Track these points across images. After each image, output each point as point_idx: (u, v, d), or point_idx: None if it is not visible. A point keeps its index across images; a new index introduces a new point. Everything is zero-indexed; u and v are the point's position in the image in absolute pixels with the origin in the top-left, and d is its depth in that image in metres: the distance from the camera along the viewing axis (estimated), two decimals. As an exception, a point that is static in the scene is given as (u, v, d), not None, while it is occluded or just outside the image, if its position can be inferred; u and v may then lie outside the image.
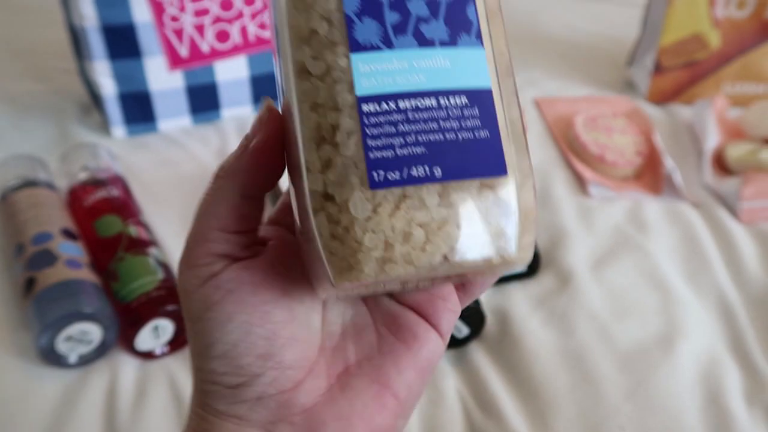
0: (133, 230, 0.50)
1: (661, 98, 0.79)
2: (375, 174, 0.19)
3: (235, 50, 0.71)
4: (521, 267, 0.21)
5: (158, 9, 0.66)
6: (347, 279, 0.19)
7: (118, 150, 0.67)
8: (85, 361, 0.45)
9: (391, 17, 0.20)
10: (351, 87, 0.19)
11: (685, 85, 0.79)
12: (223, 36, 0.70)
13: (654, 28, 0.78)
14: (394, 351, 0.24)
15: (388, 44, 0.20)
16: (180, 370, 0.46)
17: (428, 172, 0.19)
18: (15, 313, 0.47)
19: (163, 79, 0.69)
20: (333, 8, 0.20)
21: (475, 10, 0.20)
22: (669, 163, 0.65)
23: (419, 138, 0.19)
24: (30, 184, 0.53)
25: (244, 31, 0.71)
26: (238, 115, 0.74)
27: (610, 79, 0.86)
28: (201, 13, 0.68)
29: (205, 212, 0.23)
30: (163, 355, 0.46)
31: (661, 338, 0.48)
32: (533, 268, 0.54)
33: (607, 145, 0.67)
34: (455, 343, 0.48)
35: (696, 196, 0.63)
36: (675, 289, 0.52)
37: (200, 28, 0.69)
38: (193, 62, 0.70)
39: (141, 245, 0.49)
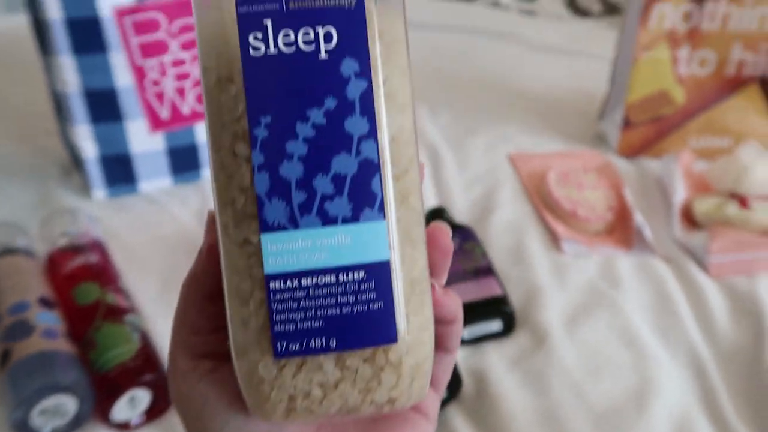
0: (111, 297, 0.50)
1: (631, 152, 0.82)
2: (279, 345, 0.21)
3: (215, 112, 0.73)
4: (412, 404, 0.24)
5: (140, 74, 0.68)
6: (262, 419, 0.22)
7: (99, 212, 0.68)
8: (60, 433, 0.45)
9: (298, 197, 0.21)
10: (260, 264, 0.21)
11: (653, 140, 0.81)
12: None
13: (621, 84, 0.81)
14: None
15: (294, 224, 0.21)
16: (157, 440, 0.46)
17: (325, 344, 0.22)
18: (-10, 385, 0.47)
19: (144, 141, 0.71)
20: (247, 185, 0.21)
21: (380, 180, 0.22)
22: (639, 218, 0.67)
23: (318, 313, 0.21)
24: (9, 251, 0.54)
25: (224, 93, 0.72)
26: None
27: (583, 132, 0.88)
28: (182, 77, 0.70)
29: (178, 321, 0.25)
30: (139, 425, 0.46)
31: (635, 396, 0.49)
32: (509, 326, 0.55)
33: (579, 200, 0.69)
34: (432, 405, 0.48)
35: (666, 251, 0.65)
36: (647, 346, 0.53)
37: (181, 91, 0.70)
38: (174, 124, 0.71)
39: (118, 313, 0.49)
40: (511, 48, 1.23)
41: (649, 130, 0.81)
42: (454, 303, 0.24)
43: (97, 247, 0.57)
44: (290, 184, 0.21)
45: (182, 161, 0.73)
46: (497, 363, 0.52)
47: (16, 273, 0.51)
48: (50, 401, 0.43)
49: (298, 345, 0.21)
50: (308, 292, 0.21)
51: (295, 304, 0.21)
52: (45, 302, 0.49)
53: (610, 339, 0.54)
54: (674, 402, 0.49)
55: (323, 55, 0.21)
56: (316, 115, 0.21)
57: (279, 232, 0.21)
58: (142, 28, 0.67)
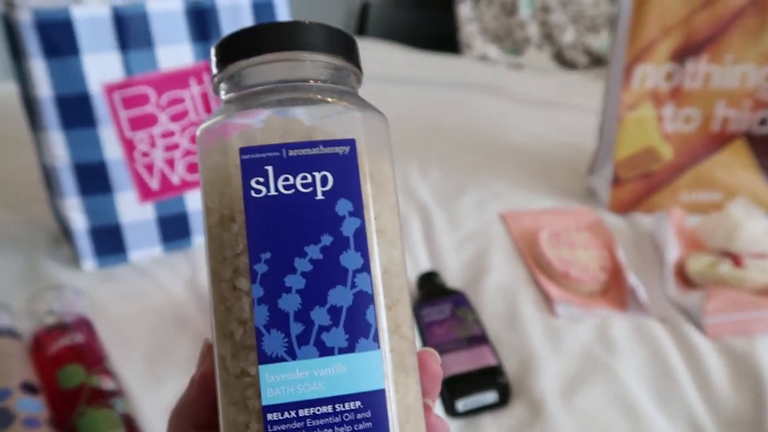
0: (96, 380, 0.49)
1: (622, 208, 0.82)
2: None
3: (205, 180, 0.73)
4: None
5: (129, 146, 0.68)
6: None
7: (88, 283, 0.67)
8: None
9: (296, 328, 0.22)
10: (258, 395, 0.21)
11: (643, 196, 0.82)
12: (193, 168, 0.72)
13: (608, 141, 0.82)
14: None
15: (292, 355, 0.22)
16: None
17: None
18: (-31, 478, 0.46)
19: (134, 212, 0.70)
20: (247, 317, 0.22)
21: (374, 311, 0.22)
22: (632, 279, 0.66)
23: None
24: (-7, 333, 0.53)
25: (213, 161, 0.73)
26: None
27: (573, 187, 0.89)
28: (171, 147, 0.70)
29: (181, 415, 0.24)
30: None
31: (636, 470, 0.48)
32: (504, 397, 0.54)
33: (571, 261, 0.68)
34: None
35: (662, 311, 0.64)
36: (646, 414, 0.52)
37: (170, 162, 0.71)
38: (164, 194, 0.71)
39: (104, 397, 0.48)
40: (500, 102, 1.25)
41: (639, 186, 0.81)
42: (445, 427, 0.24)
43: (84, 324, 0.56)
44: (288, 316, 0.22)
45: (172, 229, 0.73)
46: (493, 437, 0.50)
47: (0, 356, 0.50)
48: (31, 496, 0.42)
49: None
50: (305, 423, 0.21)
51: None
52: (28, 387, 0.48)
53: (607, 407, 0.53)
54: (676, 476, 0.48)
55: (320, 196, 0.23)
56: (314, 251, 0.22)
57: (277, 364, 0.21)
58: (131, 102, 0.67)
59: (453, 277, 0.69)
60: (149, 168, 0.70)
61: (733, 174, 0.80)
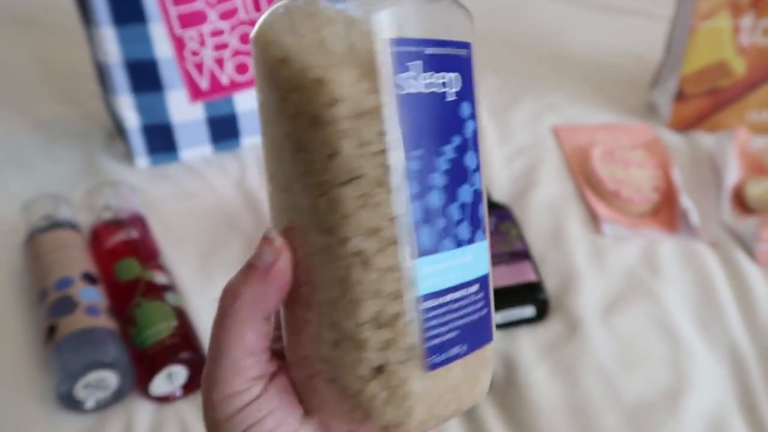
0: (150, 274, 0.52)
1: (684, 126, 0.78)
2: (429, 360, 0.23)
3: (254, 81, 0.73)
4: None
5: (179, 44, 0.68)
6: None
7: (141, 181, 0.69)
8: (102, 406, 0.47)
9: (439, 224, 0.23)
10: (414, 286, 0.23)
11: (708, 113, 0.77)
12: (242, 68, 0.71)
13: (676, 54, 0.77)
14: None
15: (438, 248, 0.23)
16: (192, 414, 0.48)
17: (460, 351, 0.24)
18: (38, 358, 0.50)
19: (184, 111, 0.71)
20: (397, 213, 0.22)
21: (484, 207, 0.25)
22: (685, 201, 0.64)
23: (455, 324, 0.24)
24: (54, 225, 0.55)
25: (263, 62, 0.72)
26: (257, 143, 0.76)
27: (633, 102, 0.85)
28: (221, 47, 0.69)
29: (232, 341, 0.24)
30: (177, 398, 0.48)
31: (668, 393, 0.48)
32: (542, 312, 0.54)
33: (624, 180, 0.66)
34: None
35: (713, 236, 0.62)
36: (685, 340, 0.52)
37: (220, 62, 0.70)
38: (214, 94, 0.71)
39: (157, 290, 0.51)
40: (565, 5, 1.18)
41: (704, 102, 0.77)
42: None
43: (138, 221, 0.58)
44: (436, 213, 0.23)
45: (222, 130, 0.74)
46: (528, 350, 0.51)
47: (62, 248, 0.53)
48: (93, 376, 0.45)
49: (444, 356, 0.23)
50: (448, 308, 0.24)
51: (441, 319, 0.23)
52: (88, 278, 0.51)
53: (646, 331, 0.53)
54: (709, 401, 0.48)
55: (450, 97, 0.23)
56: (449, 151, 0.23)
57: (428, 256, 0.23)
58: (181, -3, 0.66)
59: (499, 192, 0.68)
60: (199, 67, 0.70)
61: (811, 94, 0.75)
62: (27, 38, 0.97)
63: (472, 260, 0.24)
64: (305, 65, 0.22)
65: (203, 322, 0.52)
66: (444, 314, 0.23)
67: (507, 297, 0.54)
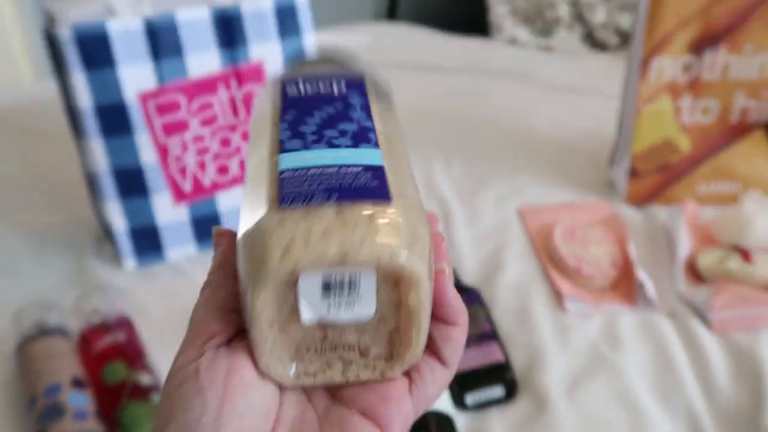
0: (137, 376, 0.55)
1: (640, 200, 0.83)
2: (284, 197, 0.25)
3: (234, 182, 0.78)
4: (411, 275, 0.25)
5: (164, 151, 0.73)
6: (259, 284, 0.25)
7: (129, 282, 0.73)
8: None
9: (310, 138, 0.29)
10: (277, 168, 0.27)
11: (661, 188, 0.83)
12: (223, 170, 0.76)
13: (626, 134, 0.83)
14: None
15: (306, 148, 0.28)
16: None
17: (326, 197, 0.25)
18: (29, 463, 0.52)
19: (169, 213, 0.76)
20: (276, 138, 0.29)
21: (375, 136, 0.29)
22: (641, 274, 0.68)
23: (321, 183, 0.26)
24: (44, 332, 0.58)
25: (242, 164, 0.77)
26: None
27: (594, 179, 0.90)
28: (203, 151, 0.75)
29: (207, 298, 0.28)
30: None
31: (632, 463, 0.51)
32: (510, 392, 0.57)
33: (584, 257, 0.71)
34: (435, 475, 0.51)
35: (670, 306, 0.66)
36: (646, 409, 0.55)
37: (202, 165, 0.75)
38: (197, 196, 0.76)
39: (143, 392, 0.53)
40: (527, 89, 1.25)
41: (656, 178, 0.82)
42: (459, 301, 0.27)
43: (125, 323, 0.61)
44: (305, 134, 0.29)
45: (205, 229, 0.78)
46: (499, 430, 0.54)
47: (51, 355, 0.56)
48: (81, 480, 0.47)
49: (302, 198, 0.25)
50: (314, 176, 0.26)
51: (302, 180, 0.26)
52: (76, 382, 0.54)
53: (609, 403, 0.56)
54: (670, 469, 0.51)
55: (336, 92, 0.31)
56: (329, 109, 0.30)
57: (293, 153, 0.28)
58: (164, 109, 0.72)
59: (468, 275, 0.72)
60: (182, 171, 0.75)
61: (752, 165, 0.80)
62: (18, 148, 1.02)
63: (351, 154, 0.28)
64: None
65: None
66: (305, 177, 0.26)
67: (476, 378, 0.57)
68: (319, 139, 0.28)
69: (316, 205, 0.25)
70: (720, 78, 0.78)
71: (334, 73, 0.33)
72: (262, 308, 0.25)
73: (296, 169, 0.26)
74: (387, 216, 0.25)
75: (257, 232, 0.25)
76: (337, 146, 0.28)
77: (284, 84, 0.32)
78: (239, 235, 0.26)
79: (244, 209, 0.27)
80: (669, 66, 0.78)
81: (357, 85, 0.32)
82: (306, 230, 0.24)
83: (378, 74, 0.35)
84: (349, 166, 0.27)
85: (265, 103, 0.32)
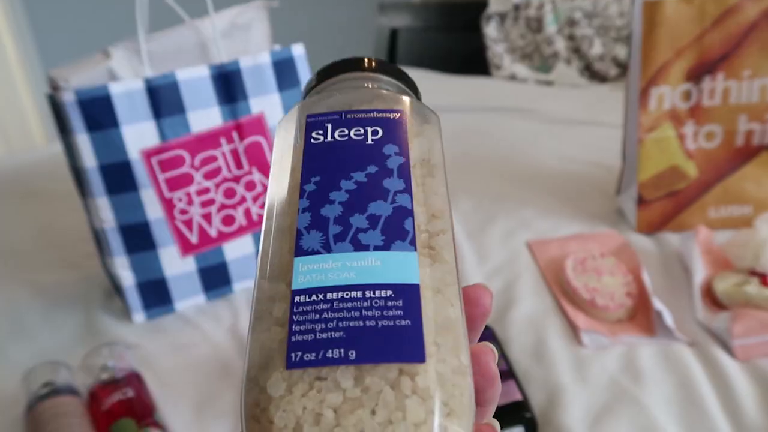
0: (146, 433, 0.54)
1: (651, 228, 0.82)
2: (293, 355, 0.21)
3: (240, 231, 0.78)
4: None
5: (169, 206, 0.73)
6: None
7: (138, 336, 0.72)
8: None
9: (334, 229, 0.23)
10: (289, 282, 0.22)
11: (671, 214, 0.82)
12: (228, 220, 0.76)
13: (631, 163, 0.83)
14: None
15: (327, 250, 0.23)
16: None
17: (343, 354, 0.20)
18: None
19: (176, 265, 0.75)
20: (288, 224, 0.24)
21: (413, 222, 0.24)
22: (657, 304, 0.67)
23: (340, 324, 0.21)
24: (53, 392, 0.58)
25: (247, 213, 0.77)
26: (249, 287, 0.79)
27: (603, 209, 0.89)
28: (207, 203, 0.75)
29: None
30: None
31: (662, 502, 0.49)
32: (531, 431, 0.55)
33: (597, 288, 0.69)
34: None
35: (690, 334, 0.64)
36: (673, 444, 0.53)
37: (207, 217, 0.75)
38: (203, 247, 0.76)
39: (153, 449, 0.52)
40: (530, 123, 1.26)
41: (666, 204, 0.81)
42: (492, 360, 0.24)
43: (134, 379, 0.60)
44: (329, 220, 0.24)
45: (213, 279, 0.78)
46: (521, 472, 0.52)
47: (60, 414, 0.55)
48: None
49: (314, 355, 0.20)
50: (332, 305, 0.21)
51: (317, 316, 0.21)
52: (86, 443, 0.53)
53: (634, 439, 0.54)
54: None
55: (369, 141, 0.26)
56: (359, 176, 0.25)
57: (311, 256, 0.23)
58: (167, 165, 0.72)
59: (481, 311, 0.71)
60: (188, 224, 0.75)
61: (762, 186, 0.79)
62: (27, 208, 1.03)
63: (381, 265, 0.22)
64: None
65: (200, 476, 0.53)
66: (321, 311, 0.21)
67: (495, 418, 0.55)
68: (344, 233, 0.23)
69: (330, 367, 0.20)
70: (721, 104, 0.78)
71: (367, 102, 0.28)
72: None
73: (312, 292, 0.22)
74: (417, 383, 0.20)
75: (260, 402, 0.20)
76: (365, 247, 0.23)
77: (308, 124, 0.27)
78: (244, 370, 0.22)
79: (261, 273, 0.24)
80: (668, 95, 0.78)
81: (393, 127, 0.27)
82: (316, 408, 0.20)
83: (417, 87, 0.32)
84: (376, 287, 0.22)
85: (287, 136, 0.28)
